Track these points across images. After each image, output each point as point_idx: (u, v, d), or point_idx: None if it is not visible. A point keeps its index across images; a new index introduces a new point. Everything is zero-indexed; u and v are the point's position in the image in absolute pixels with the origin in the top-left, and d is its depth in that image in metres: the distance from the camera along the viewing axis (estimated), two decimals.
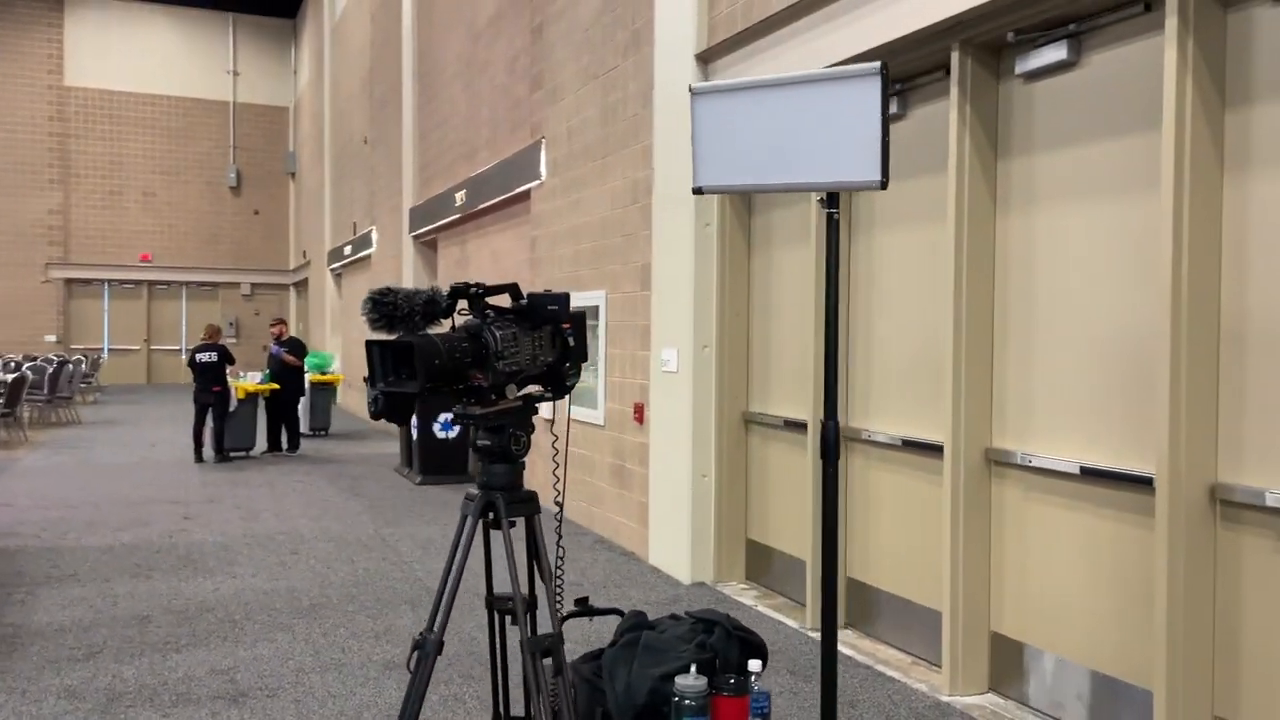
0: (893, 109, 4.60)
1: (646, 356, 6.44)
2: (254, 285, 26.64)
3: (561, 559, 2.29)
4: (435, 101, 12.30)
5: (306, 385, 12.97)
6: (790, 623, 5.18)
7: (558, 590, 2.29)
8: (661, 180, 6.21)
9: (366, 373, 2.07)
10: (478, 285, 2.13)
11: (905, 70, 4.56)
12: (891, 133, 4.12)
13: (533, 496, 2.13)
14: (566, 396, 2.24)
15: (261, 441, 11.89)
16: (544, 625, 2.21)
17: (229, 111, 26.26)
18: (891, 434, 4.75)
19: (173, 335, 26.00)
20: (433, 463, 9.73)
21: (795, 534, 5.50)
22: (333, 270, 19.83)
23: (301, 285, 25.19)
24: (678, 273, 6.01)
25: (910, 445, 4.60)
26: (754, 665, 2.08)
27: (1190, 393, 3.23)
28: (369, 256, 16.08)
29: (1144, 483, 3.48)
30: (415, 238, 13.05)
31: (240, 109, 26.42)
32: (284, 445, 11.95)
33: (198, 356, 11.13)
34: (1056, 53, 3.82)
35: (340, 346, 18.70)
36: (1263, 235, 3.16)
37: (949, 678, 4.19)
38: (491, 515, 2.08)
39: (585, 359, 2.19)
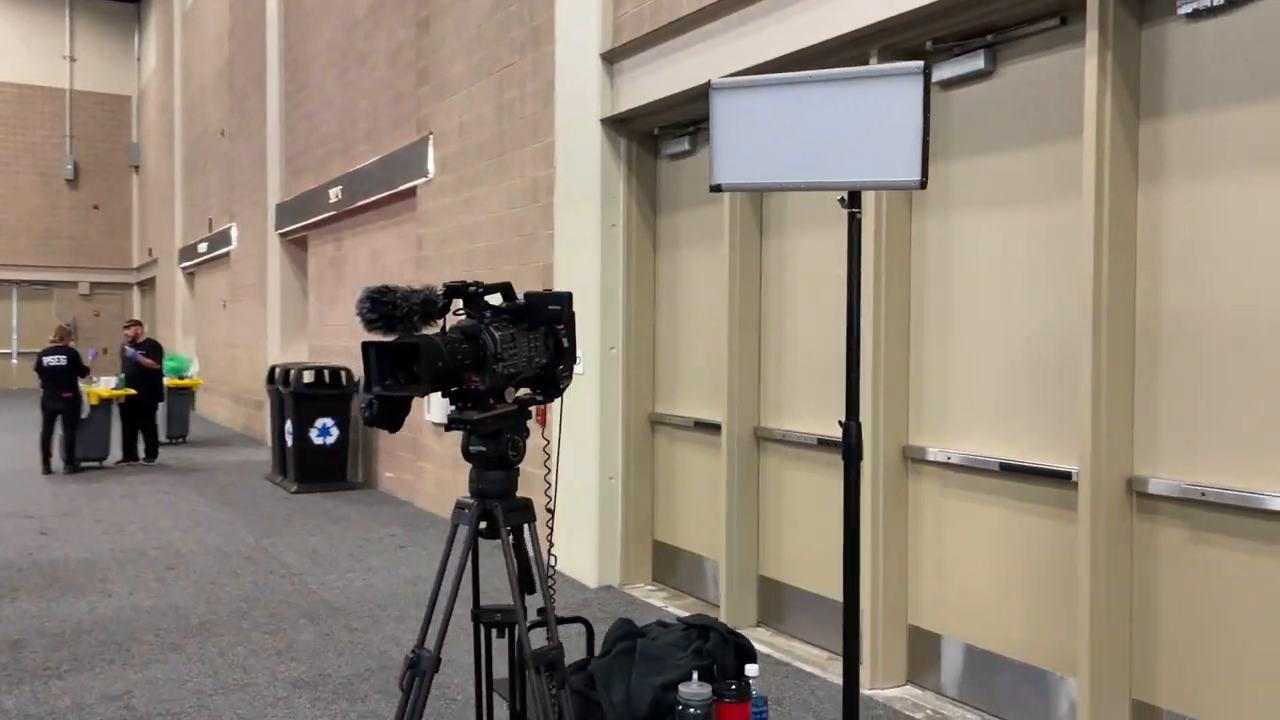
0: None
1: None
2: (94, 284, 25.07)
3: (553, 567, 2.21)
4: (305, 93, 11.84)
5: (164, 390, 12.28)
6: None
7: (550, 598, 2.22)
8: (565, 180, 6.14)
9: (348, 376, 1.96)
10: (476, 284, 2.03)
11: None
12: None
13: (528, 504, 2.04)
14: (559, 399, 2.16)
15: (116, 451, 11.19)
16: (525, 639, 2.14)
17: (65, 99, 24.65)
18: (806, 432, 4.81)
19: (2, 338, 24.23)
20: (309, 471, 9.37)
21: (704, 534, 5.53)
22: (185, 269, 18.86)
23: (148, 284, 23.87)
24: (583, 273, 5.95)
25: (826, 444, 4.68)
26: (751, 670, 2.06)
27: (1110, 389, 3.39)
28: (228, 254, 15.36)
29: (1063, 477, 3.63)
30: (282, 235, 12.53)
31: (78, 97, 24.83)
32: (141, 454, 11.29)
33: (45, 360, 10.40)
34: (974, 62, 3.95)
35: (195, 349, 17.80)
36: (1174, 239, 3.34)
37: (869, 671, 4.27)
38: (484, 525, 1.99)
39: (575, 360, 2.11)
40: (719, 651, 2.09)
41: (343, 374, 9.50)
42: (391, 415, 2.00)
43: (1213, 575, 3.20)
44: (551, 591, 2.17)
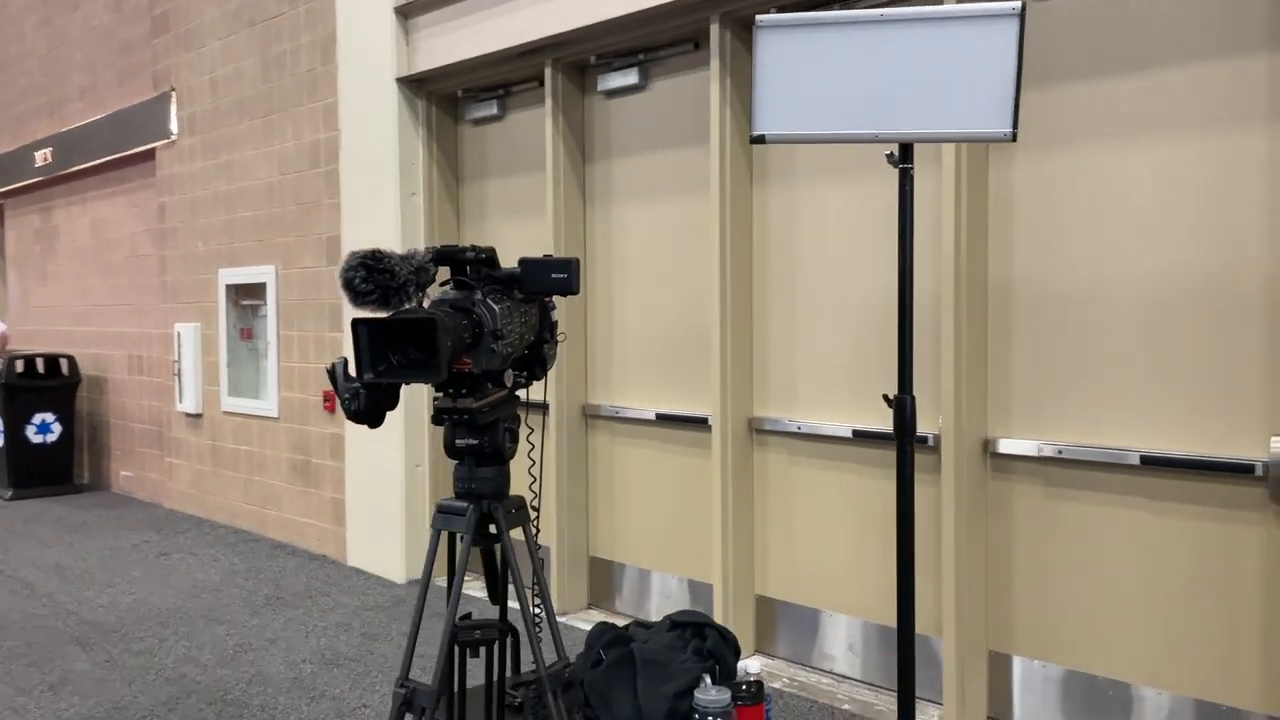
0: (634, 80, 4.59)
1: (338, 338, 5.84)
2: None
3: (537, 577, 1.95)
4: None
5: None
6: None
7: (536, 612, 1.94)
8: (353, 143, 5.65)
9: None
10: (473, 248, 1.71)
11: (659, 40, 4.51)
12: (636, 102, 4.41)
13: (524, 503, 1.77)
14: (540, 380, 1.88)
15: None
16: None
17: None
18: (645, 409, 4.70)
19: None
20: (27, 473, 8.19)
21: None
22: None
23: None
24: (379, 245, 5.50)
25: (666, 419, 4.59)
26: (753, 666, 1.91)
27: (969, 356, 3.51)
28: None
29: (919, 441, 3.72)
30: None
31: None
32: None
33: None
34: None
35: None
36: (1024, 210, 3.49)
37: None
38: (470, 531, 1.70)
39: (557, 333, 1.85)
40: (719, 650, 1.93)
41: (64, 362, 8.36)
42: (380, 407, 1.67)
43: (1067, 528, 3.40)
44: (536, 601, 1.92)
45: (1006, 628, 3.56)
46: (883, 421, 3.86)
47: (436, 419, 1.70)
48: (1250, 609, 3.01)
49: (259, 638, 4.60)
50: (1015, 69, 1.96)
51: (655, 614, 4.65)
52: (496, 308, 1.68)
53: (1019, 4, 1.96)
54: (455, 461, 1.73)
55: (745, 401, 4.27)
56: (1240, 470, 2.99)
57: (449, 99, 5.55)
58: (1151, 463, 3.17)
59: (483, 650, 1.99)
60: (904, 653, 1.58)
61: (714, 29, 4.12)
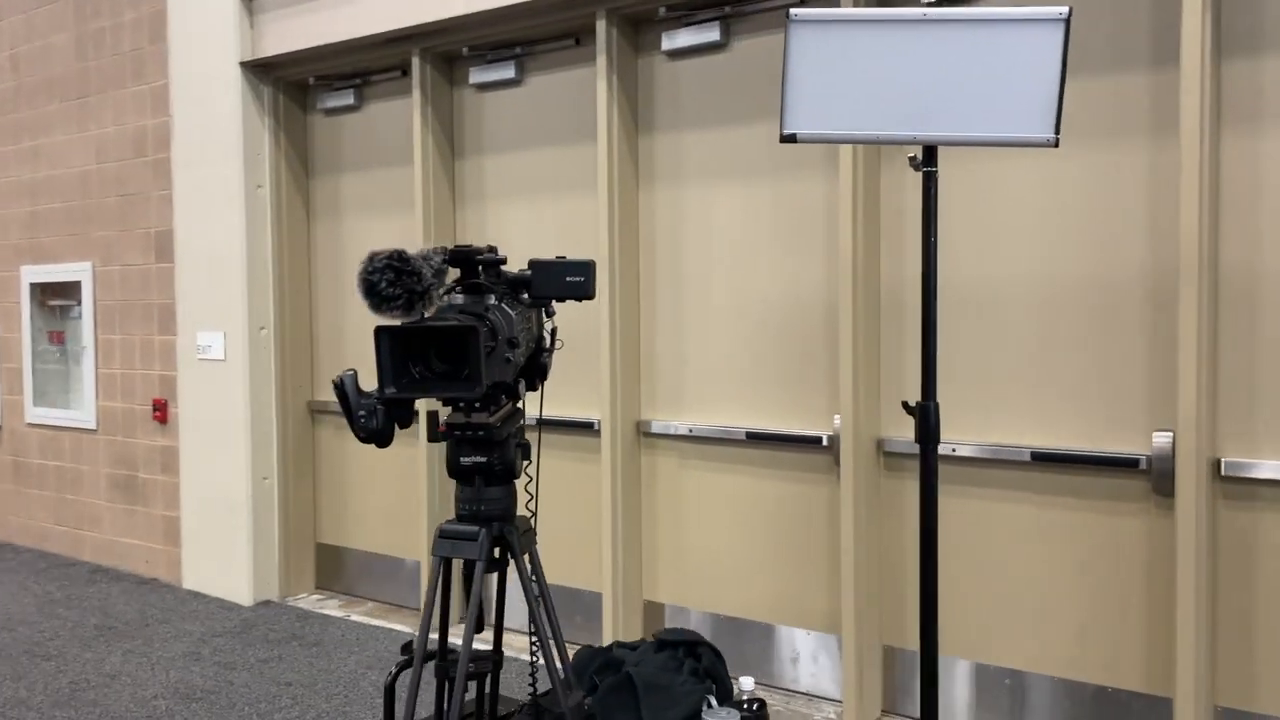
0: (510, 74, 4.47)
1: (171, 342, 5.38)
2: None
3: (539, 594, 1.79)
4: None
5: None
6: (402, 628, 4.72)
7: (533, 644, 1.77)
8: (187, 131, 5.22)
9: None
10: (490, 248, 1.53)
11: (537, 33, 4.37)
12: (512, 96, 4.23)
13: (530, 525, 1.60)
14: (536, 391, 1.72)
15: None
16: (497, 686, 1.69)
17: None
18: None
19: None
20: None
21: (379, 530, 5.05)
22: None
23: None
24: (220, 242, 5.11)
25: (553, 424, 4.48)
26: (747, 684, 1.84)
27: (864, 359, 3.57)
28: None
29: (813, 442, 3.77)
30: None
31: None
32: None
33: None
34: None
35: None
36: (917, 216, 3.58)
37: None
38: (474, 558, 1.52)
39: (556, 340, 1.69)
40: (716, 669, 1.85)
41: None
42: (395, 424, 1.48)
43: (960, 523, 3.51)
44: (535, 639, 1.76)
45: (899, 622, 3.65)
46: (776, 423, 3.89)
47: (442, 436, 1.54)
48: (1135, 596, 3.19)
49: (96, 673, 4.16)
50: (1059, 74, 1.98)
51: (572, 626, 4.53)
52: (512, 314, 1.53)
53: (1065, 9, 1.98)
54: (457, 481, 1.57)
55: (634, 404, 4.20)
56: (1125, 464, 3.16)
57: (299, 86, 5.21)
58: (1041, 459, 3.31)
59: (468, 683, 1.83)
60: (927, 669, 1.56)
61: (600, 25, 4.03)
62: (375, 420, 1.47)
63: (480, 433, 1.50)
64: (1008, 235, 3.38)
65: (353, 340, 5.12)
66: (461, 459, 1.53)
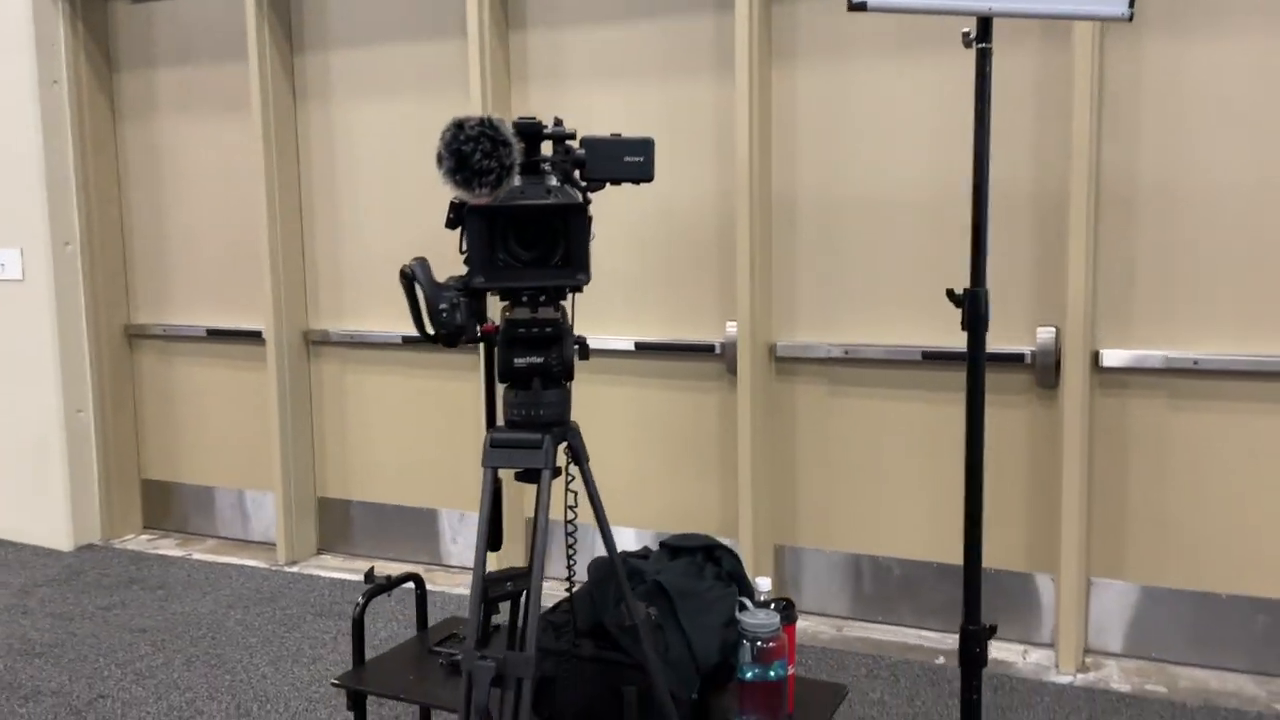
0: None
1: None
2: None
3: (573, 521, 1.63)
4: None
5: None
6: (256, 564, 4.41)
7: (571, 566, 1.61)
8: None
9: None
10: (557, 120, 1.31)
11: None
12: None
13: (578, 430, 1.44)
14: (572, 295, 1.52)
15: None
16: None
17: None
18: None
19: None
20: None
21: (217, 463, 4.69)
22: None
23: None
24: (13, 145, 4.47)
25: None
26: (764, 584, 1.80)
27: (759, 265, 3.57)
28: None
29: (706, 350, 3.75)
30: None
31: None
32: None
33: None
34: None
35: None
36: (809, 124, 3.59)
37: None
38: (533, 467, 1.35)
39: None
40: (738, 572, 1.79)
41: None
42: (474, 320, 1.28)
43: (850, 423, 3.61)
44: (572, 553, 1.61)
45: (790, 522, 3.74)
46: (667, 333, 3.85)
47: (489, 337, 1.35)
48: (1017, 483, 3.40)
49: None
50: None
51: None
52: (577, 196, 1.36)
53: None
54: (509, 385, 1.40)
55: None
56: (1012, 359, 3.34)
57: None
58: (932, 357, 3.44)
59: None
60: (971, 577, 1.57)
61: None
62: (459, 315, 1.28)
63: (548, 329, 1.35)
64: (897, 138, 3.44)
65: (179, 256, 4.64)
66: (516, 360, 1.38)
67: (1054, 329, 3.26)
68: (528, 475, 1.41)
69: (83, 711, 3.07)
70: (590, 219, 1.33)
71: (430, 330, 1.31)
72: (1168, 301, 3.15)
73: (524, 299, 1.32)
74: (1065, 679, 3.18)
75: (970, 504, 1.54)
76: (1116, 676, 3.19)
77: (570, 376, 1.39)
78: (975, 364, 1.55)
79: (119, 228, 4.74)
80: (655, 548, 1.83)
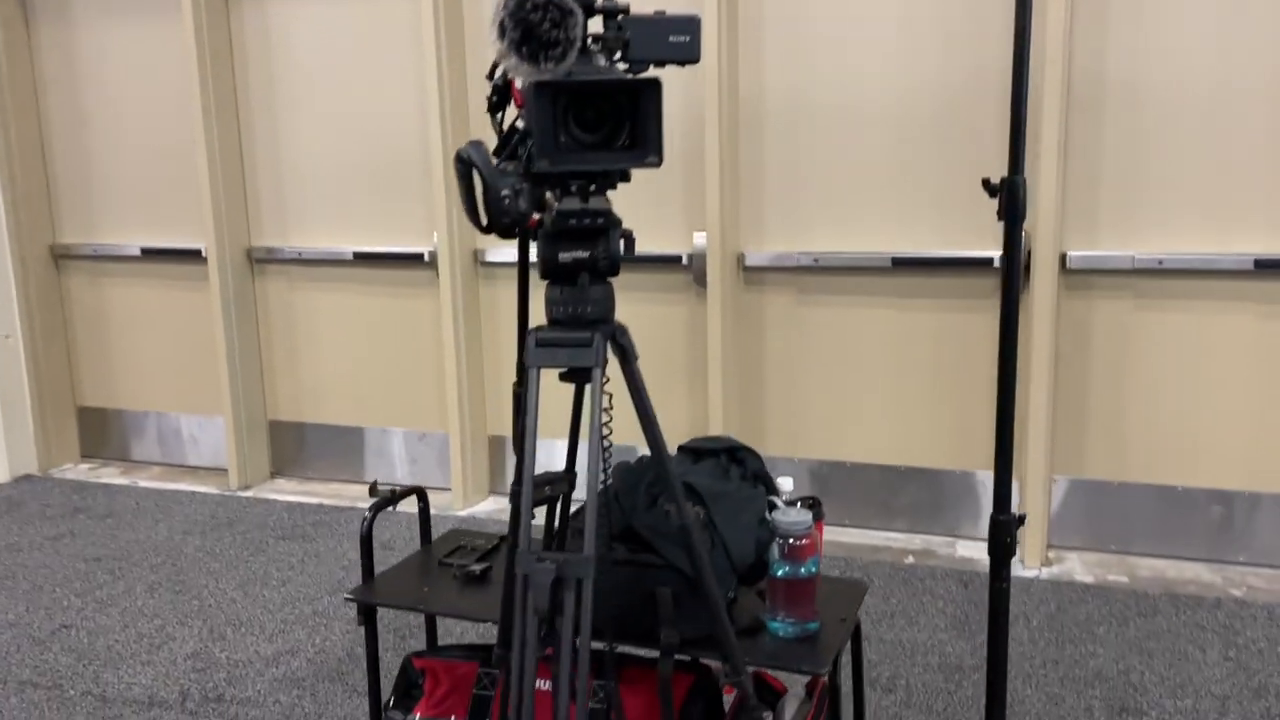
0: None
1: None
2: None
3: (609, 421, 1.57)
4: None
5: None
6: (206, 489, 4.29)
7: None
8: None
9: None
10: None
11: None
12: None
13: (625, 329, 1.38)
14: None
15: None
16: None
17: None
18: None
19: None
20: None
21: (157, 387, 4.53)
22: None
23: None
24: None
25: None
26: (786, 484, 1.78)
27: (727, 173, 3.51)
28: None
29: (673, 261, 3.71)
30: None
31: None
32: None
33: None
34: None
35: None
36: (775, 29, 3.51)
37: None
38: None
39: None
40: (763, 472, 1.77)
41: None
42: (533, 208, 1.18)
43: (820, 329, 3.62)
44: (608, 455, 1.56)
45: (759, 427, 3.76)
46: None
47: (527, 232, 1.27)
48: (983, 385, 3.46)
49: None
50: None
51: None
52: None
53: None
54: (551, 281, 1.33)
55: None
56: (980, 263, 3.36)
57: None
58: (902, 264, 3.45)
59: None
60: (1001, 469, 1.58)
61: None
62: (521, 202, 1.20)
63: (599, 220, 1.28)
64: (863, 48, 3.39)
65: (105, 169, 4.39)
66: (561, 255, 1.31)
67: (1024, 231, 3.27)
68: (574, 374, 1.36)
69: (46, 642, 2.96)
70: (661, 97, 1.25)
71: (485, 220, 1.23)
72: (1134, 203, 3.19)
73: (573, 188, 1.25)
74: (1031, 573, 3.28)
75: (1002, 398, 1.54)
76: (1079, 569, 3.31)
77: (616, 271, 1.33)
78: (1012, 258, 1.53)
79: (38, 141, 4.45)
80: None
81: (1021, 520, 1.59)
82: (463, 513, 3.95)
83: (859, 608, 1.78)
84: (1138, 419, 3.30)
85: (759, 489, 1.70)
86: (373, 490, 1.90)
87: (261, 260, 4.25)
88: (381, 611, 3.04)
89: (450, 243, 3.79)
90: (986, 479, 3.50)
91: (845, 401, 3.62)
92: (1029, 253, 3.25)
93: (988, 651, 1.70)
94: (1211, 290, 3.16)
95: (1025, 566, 3.32)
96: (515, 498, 1.45)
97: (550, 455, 3.84)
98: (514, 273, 3.84)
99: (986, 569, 3.30)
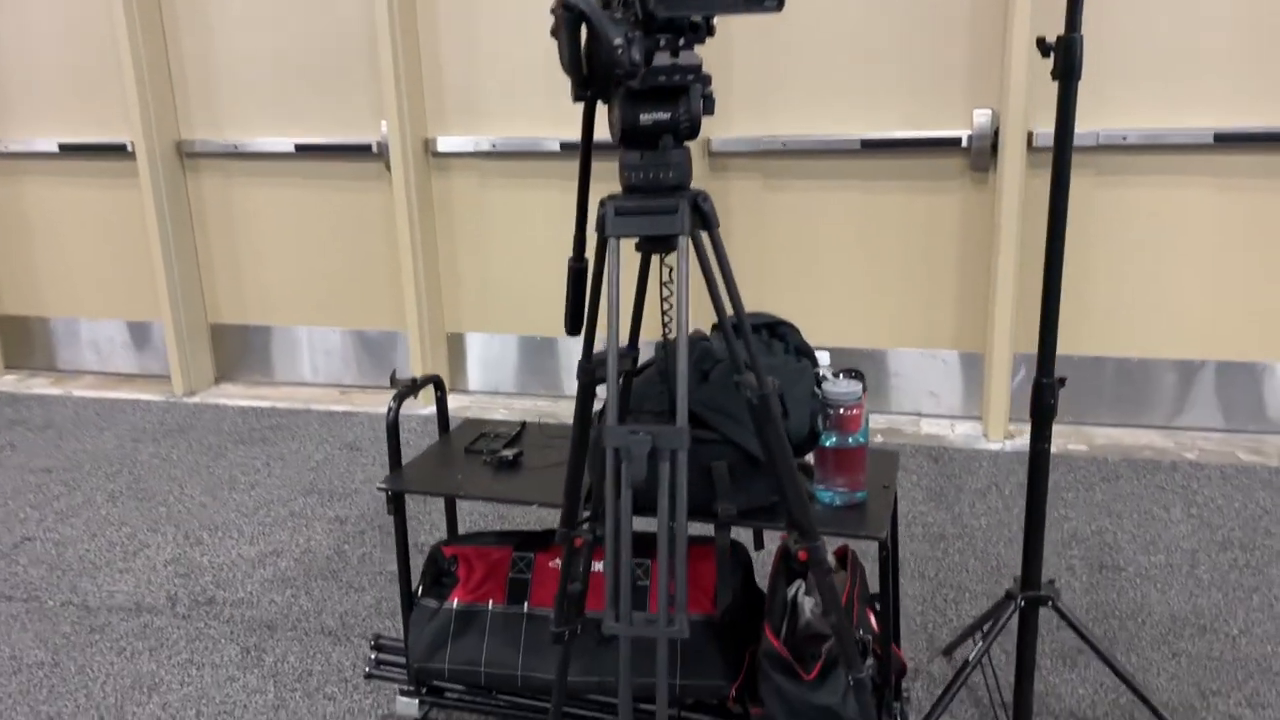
0: None
1: None
2: None
3: (669, 294, 1.52)
4: None
5: None
6: (149, 397, 4.13)
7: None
8: None
9: None
10: None
11: None
12: None
13: (706, 194, 1.30)
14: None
15: None
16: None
17: None
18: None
19: None
20: None
21: (84, 293, 4.31)
22: None
23: None
24: None
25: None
26: (824, 357, 1.78)
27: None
28: None
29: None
30: None
31: None
32: None
33: None
34: None
35: None
36: None
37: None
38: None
39: None
40: (804, 345, 1.75)
41: None
42: (645, 60, 1.09)
43: (785, 215, 3.60)
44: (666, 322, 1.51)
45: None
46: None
47: (644, 82, 1.17)
48: (949, 265, 3.51)
49: None
50: None
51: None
52: None
53: None
54: (627, 147, 1.26)
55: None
56: (948, 144, 3.37)
57: None
58: (872, 146, 3.44)
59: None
60: (1047, 329, 1.60)
61: None
62: (634, 51, 1.11)
63: (689, 76, 1.20)
64: None
65: (13, 59, 4.06)
66: (642, 117, 1.24)
67: (990, 111, 3.30)
68: (653, 244, 1.32)
69: (11, 555, 2.84)
70: None
71: (586, 72, 1.15)
72: (1100, 79, 3.23)
73: (661, 42, 1.18)
74: (995, 446, 3.39)
75: (1050, 270, 1.55)
76: None
77: (696, 133, 1.28)
78: (1064, 124, 1.53)
79: None
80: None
81: (1062, 382, 1.63)
82: (425, 410, 3.89)
83: (896, 474, 1.81)
84: (1099, 294, 3.40)
85: (804, 362, 1.70)
86: (393, 381, 1.84)
87: (194, 155, 4.02)
88: (373, 511, 3.01)
89: (401, 132, 3.64)
90: (950, 357, 3.58)
91: (815, 285, 3.64)
92: (996, 132, 3.27)
93: (1026, 510, 1.75)
94: (1171, 165, 3.24)
95: (989, 440, 3.43)
96: (586, 374, 1.40)
97: (537, 352, 3.83)
98: (468, 163, 3.77)
99: (955, 444, 3.41)
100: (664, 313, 1.49)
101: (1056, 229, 1.56)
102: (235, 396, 4.11)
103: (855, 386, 1.64)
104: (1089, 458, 3.27)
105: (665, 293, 1.47)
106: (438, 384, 1.95)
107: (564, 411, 3.82)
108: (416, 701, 1.88)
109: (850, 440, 1.65)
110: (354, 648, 2.34)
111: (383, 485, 1.77)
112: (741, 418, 1.58)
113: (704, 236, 1.34)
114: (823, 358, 1.78)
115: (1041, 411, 1.62)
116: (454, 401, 3.99)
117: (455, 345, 4.01)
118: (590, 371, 1.41)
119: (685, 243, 1.27)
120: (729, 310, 1.36)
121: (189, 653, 2.34)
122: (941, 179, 3.43)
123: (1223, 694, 2.07)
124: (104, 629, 2.45)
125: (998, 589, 2.50)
